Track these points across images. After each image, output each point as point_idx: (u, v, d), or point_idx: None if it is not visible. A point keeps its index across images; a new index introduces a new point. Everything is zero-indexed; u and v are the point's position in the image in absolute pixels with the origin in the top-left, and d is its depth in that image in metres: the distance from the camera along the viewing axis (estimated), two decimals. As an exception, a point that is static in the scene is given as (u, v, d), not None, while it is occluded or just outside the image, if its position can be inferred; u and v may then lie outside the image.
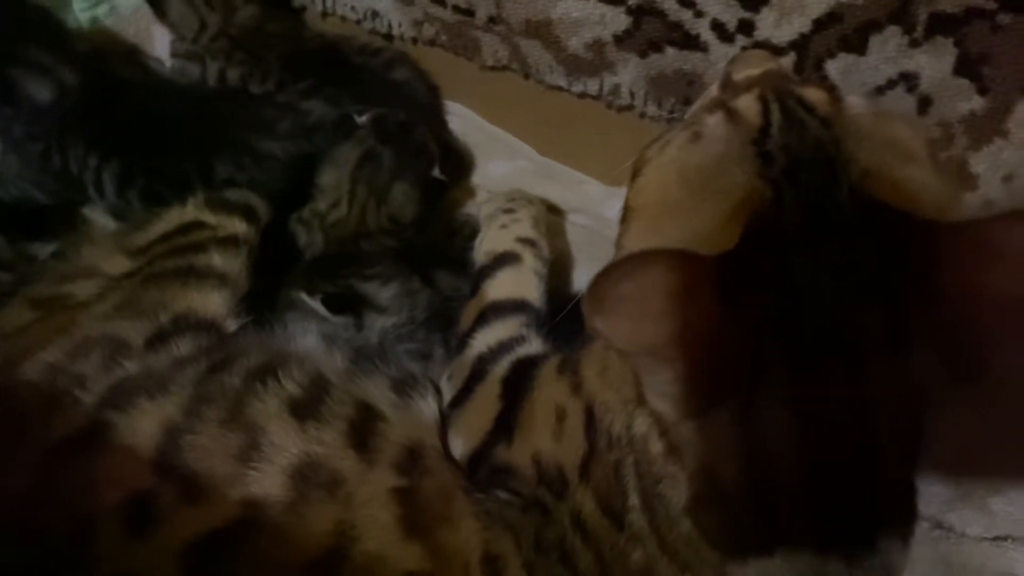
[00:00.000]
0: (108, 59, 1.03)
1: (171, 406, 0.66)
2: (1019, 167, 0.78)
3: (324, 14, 1.17)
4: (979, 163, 0.79)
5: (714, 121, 0.51)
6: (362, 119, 0.97)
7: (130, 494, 0.61)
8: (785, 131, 0.48)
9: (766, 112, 0.50)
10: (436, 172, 0.98)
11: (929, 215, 0.42)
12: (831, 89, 0.53)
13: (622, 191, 1.10)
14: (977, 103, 0.77)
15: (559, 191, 1.13)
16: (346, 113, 0.99)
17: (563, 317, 0.78)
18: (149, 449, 0.63)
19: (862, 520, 0.47)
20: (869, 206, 0.44)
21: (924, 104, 0.80)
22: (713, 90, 0.61)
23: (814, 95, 0.51)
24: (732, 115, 0.51)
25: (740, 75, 0.58)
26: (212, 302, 0.76)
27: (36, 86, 0.91)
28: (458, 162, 1.11)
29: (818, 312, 0.44)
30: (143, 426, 0.64)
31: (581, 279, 1.02)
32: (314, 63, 1.10)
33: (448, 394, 0.74)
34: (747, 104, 0.52)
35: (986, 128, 0.78)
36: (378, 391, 0.72)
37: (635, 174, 0.54)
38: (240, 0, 1.10)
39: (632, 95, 0.97)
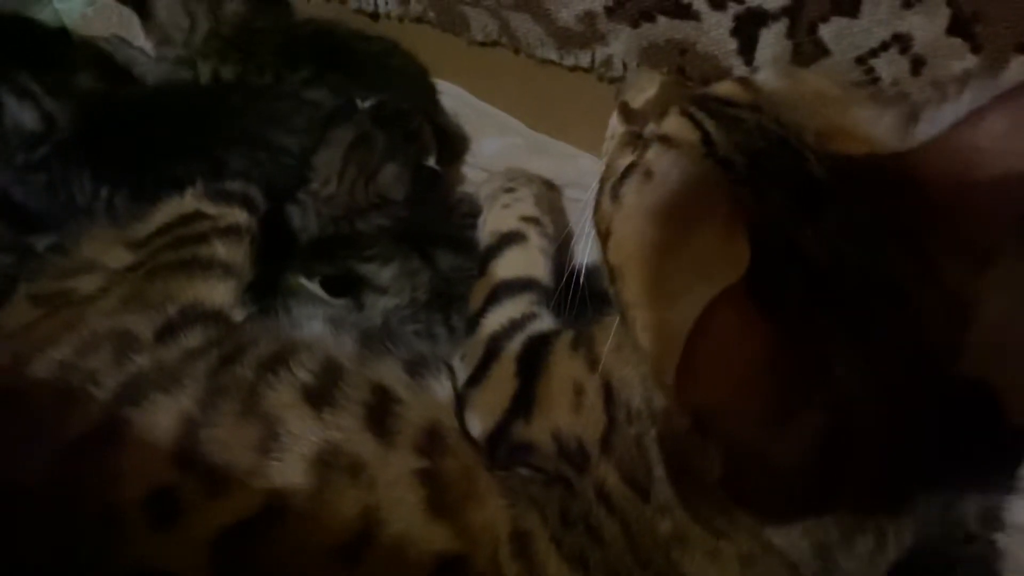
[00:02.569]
0: (107, 77, 1.03)
1: (186, 399, 0.66)
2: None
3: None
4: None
5: (655, 155, 0.52)
6: (364, 104, 0.97)
7: (152, 488, 0.61)
8: (726, 132, 0.49)
9: (697, 124, 0.51)
10: (431, 162, 0.98)
11: (890, 146, 0.43)
12: (738, 78, 0.54)
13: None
14: (971, 62, 0.78)
15: (552, 166, 1.12)
16: (350, 98, 0.99)
17: (564, 289, 0.79)
18: (168, 443, 0.63)
19: (932, 471, 0.46)
20: (838, 162, 0.45)
21: (917, 65, 0.80)
22: (616, 124, 0.62)
23: (726, 89, 0.52)
24: (669, 141, 0.52)
25: (638, 101, 0.58)
26: (218, 292, 0.76)
27: (20, 111, 0.92)
28: (453, 146, 1.10)
29: (852, 276, 0.44)
30: (160, 420, 0.65)
31: (582, 251, 1.02)
32: (310, 51, 1.09)
33: (462, 374, 0.74)
34: (675, 125, 0.52)
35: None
36: (391, 373, 0.73)
37: (603, 235, 0.55)
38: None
39: (624, 66, 0.97)
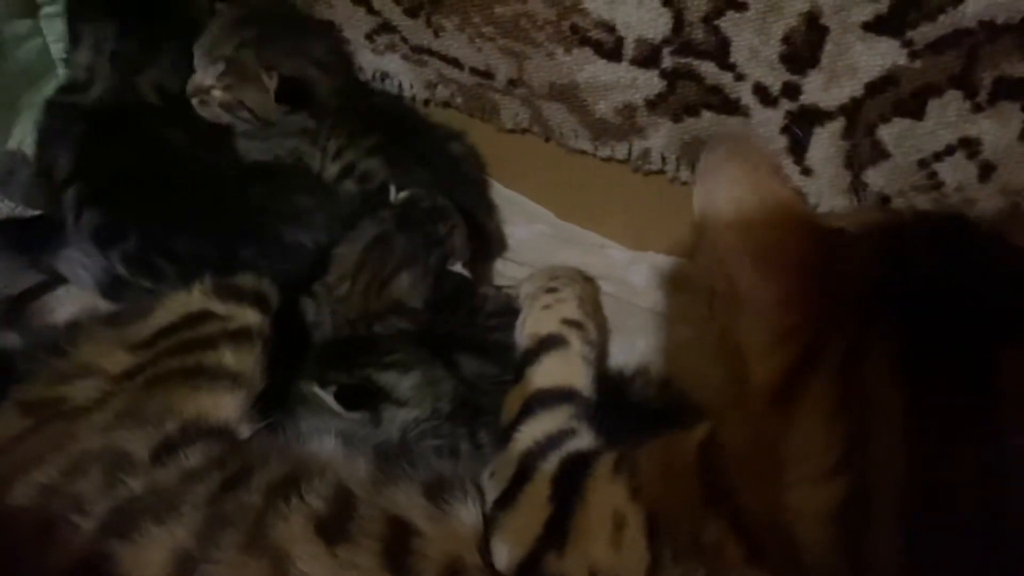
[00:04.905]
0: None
1: (182, 530, 0.59)
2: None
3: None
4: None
5: None
6: (397, 196, 0.92)
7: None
8: None
9: None
10: (458, 267, 0.92)
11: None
12: None
13: (647, 255, 1.06)
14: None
15: (580, 256, 1.08)
16: (384, 185, 0.95)
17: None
18: (159, 586, 0.56)
19: None
20: None
21: (986, 171, 0.75)
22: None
23: None
24: None
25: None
26: (224, 405, 0.69)
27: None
28: (491, 245, 1.05)
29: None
30: (151, 556, 0.57)
31: (615, 353, 0.96)
32: (380, 120, 1.05)
33: (491, 494, 0.68)
34: None
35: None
36: (409, 500, 0.65)
37: None
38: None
39: (664, 160, 0.92)
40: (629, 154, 0.94)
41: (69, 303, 0.99)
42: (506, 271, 1.09)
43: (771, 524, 0.44)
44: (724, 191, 0.45)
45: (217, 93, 1.01)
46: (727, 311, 0.45)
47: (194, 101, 1.03)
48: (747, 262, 0.44)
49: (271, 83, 0.98)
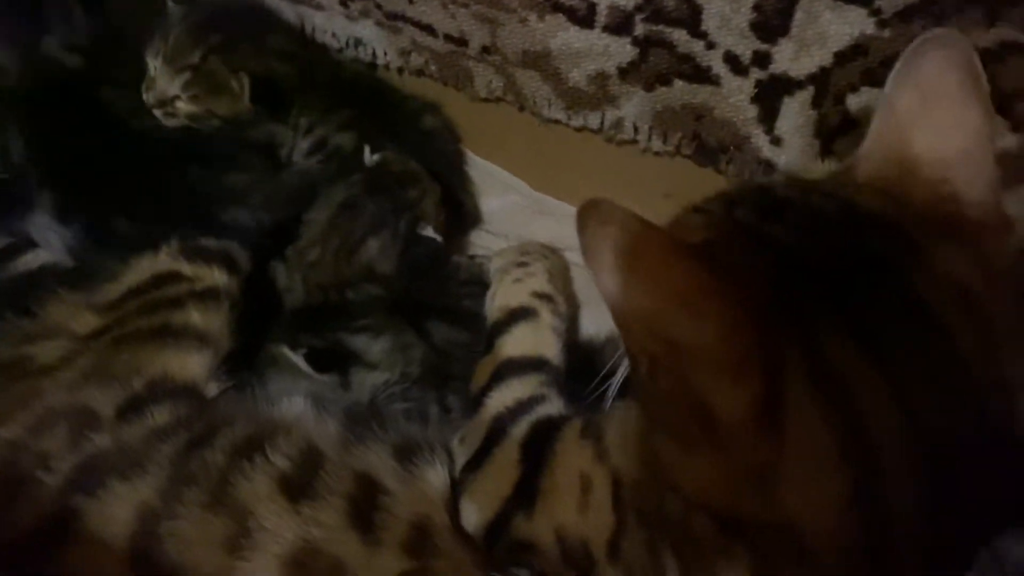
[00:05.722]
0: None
1: (147, 488, 0.59)
2: (1055, 207, 0.74)
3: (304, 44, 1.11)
4: (1013, 204, 0.75)
5: None
6: (372, 158, 0.91)
7: (103, 595, 0.54)
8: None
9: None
10: (429, 231, 0.91)
11: None
12: None
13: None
14: (1010, 141, 0.73)
15: (554, 227, 1.07)
16: (361, 145, 0.94)
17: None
18: (123, 539, 0.57)
19: (981, 527, 0.45)
20: None
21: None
22: None
23: None
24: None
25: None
26: (191, 364, 0.69)
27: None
28: (467, 216, 1.05)
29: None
30: (116, 512, 0.58)
31: (587, 324, 0.96)
32: (352, 95, 1.05)
33: (461, 457, 0.68)
34: None
35: (1019, 167, 0.74)
36: (379, 460, 0.66)
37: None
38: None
39: (636, 129, 0.92)
40: (602, 124, 0.94)
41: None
42: (480, 242, 1.09)
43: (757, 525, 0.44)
44: (611, 264, 0.41)
45: (182, 105, 1.00)
46: (673, 372, 0.42)
47: (157, 112, 1.01)
48: (675, 314, 0.41)
49: (244, 88, 0.97)
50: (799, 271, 0.44)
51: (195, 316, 0.71)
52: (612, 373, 0.81)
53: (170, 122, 1.01)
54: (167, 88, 1.00)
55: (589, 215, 0.41)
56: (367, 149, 0.94)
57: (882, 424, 0.41)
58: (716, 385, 0.41)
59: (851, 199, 0.47)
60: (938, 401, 0.42)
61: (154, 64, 1.01)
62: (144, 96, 1.01)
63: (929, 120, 0.48)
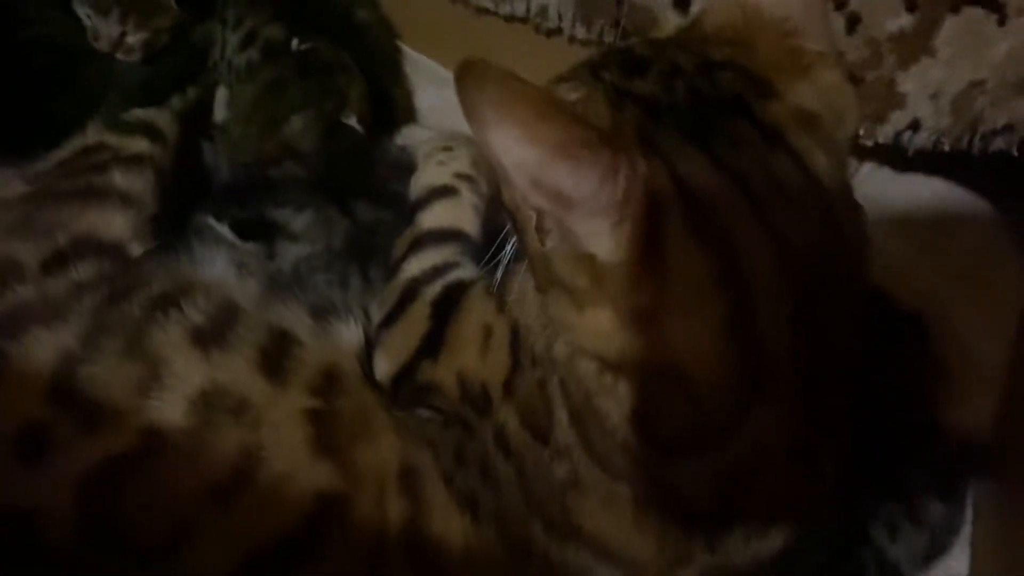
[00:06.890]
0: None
1: (68, 335, 0.62)
2: (946, 85, 0.78)
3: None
4: (907, 82, 0.79)
5: None
6: (299, 47, 0.93)
7: (23, 424, 0.58)
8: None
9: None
10: (352, 121, 0.93)
11: None
12: None
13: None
14: (905, 20, 0.76)
15: (488, 122, 1.09)
16: (290, 37, 0.95)
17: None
18: (43, 378, 0.60)
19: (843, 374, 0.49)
20: None
21: (853, 22, 0.79)
22: None
23: None
24: None
25: None
26: (115, 223, 0.71)
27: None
28: (395, 111, 1.06)
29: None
30: (37, 355, 0.61)
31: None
32: None
33: (377, 316, 0.72)
34: None
35: (914, 46, 0.77)
36: (295, 316, 0.70)
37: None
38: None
39: (560, 16, 0.94)
40: (528, 11, 0.96)
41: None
42: (413, 136, 1.10)
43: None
44: (491, 120, 0.42)
45: (131, 38, 1.01)
46: (558, 224, 0.45)
47: (119, 55, 1.02)
48: (556, 164, 0.42)
49: None
50: (665, 118, 0.46)
51: (118, 178, 0.74)
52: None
53: (134, 57, 1.03)
54: (110, 30, 1.01)
55: (467, 75, 0.41)
56: (295, 41, 0.95)
57: (750, 246, 0.44)
58: (599, 229, 0.43)
59: (703, 51, 0.50)
60: (798, 218, 0.45)
61: (85, 13, 1.01)
62: (97, 47, 1.02)
63: None
